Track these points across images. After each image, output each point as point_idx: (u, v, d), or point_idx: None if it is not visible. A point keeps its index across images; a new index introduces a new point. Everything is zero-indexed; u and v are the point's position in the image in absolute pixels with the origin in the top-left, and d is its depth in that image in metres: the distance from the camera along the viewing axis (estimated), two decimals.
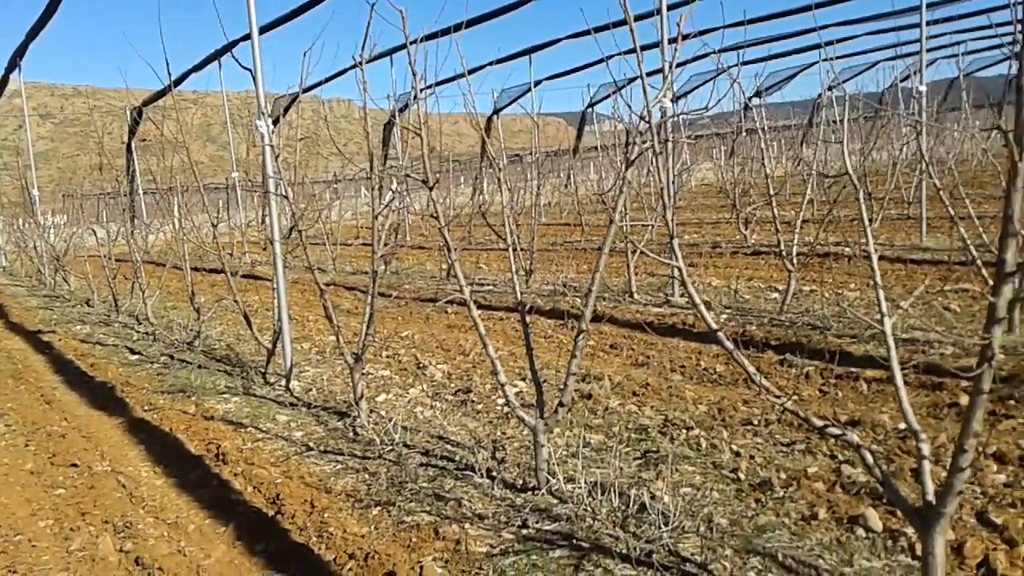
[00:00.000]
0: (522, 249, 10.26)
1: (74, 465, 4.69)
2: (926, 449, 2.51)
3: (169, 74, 6.73)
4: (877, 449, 3.83)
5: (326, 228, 14.19)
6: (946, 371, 4.09)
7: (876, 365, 4.87)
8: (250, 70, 5.82)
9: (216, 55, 16.04)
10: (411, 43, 4.02)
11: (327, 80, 18.78)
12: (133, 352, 7.90)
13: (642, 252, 3.37)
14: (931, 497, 2.48)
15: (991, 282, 2.73)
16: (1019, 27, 3.15)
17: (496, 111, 25.27)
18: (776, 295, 7.60)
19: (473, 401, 5.26)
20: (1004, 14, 18.92)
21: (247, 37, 5.86)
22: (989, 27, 19.74)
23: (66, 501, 4.17)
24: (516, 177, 16.75)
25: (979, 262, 5.41)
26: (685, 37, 3.44)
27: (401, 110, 19.12)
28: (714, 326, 2.92)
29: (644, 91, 3.29)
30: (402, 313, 8.76)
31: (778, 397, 2.74)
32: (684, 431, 4.30)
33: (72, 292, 12.98)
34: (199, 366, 6.99)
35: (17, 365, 7.82)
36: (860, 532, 3.06)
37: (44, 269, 15.06)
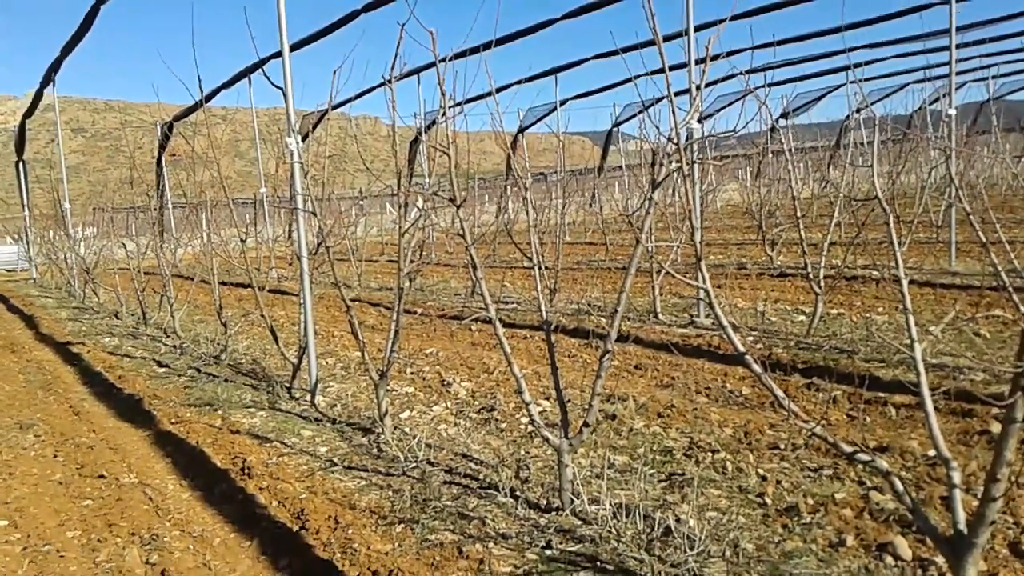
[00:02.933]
0: (547, 268, 10.26)
1: (102, 476, 4.74)
2: (957, 477, 2.49)
3: (201, 90, 6.82)
4: (906, 476, 3.79)
5: (352, 244, 14.29)
6: (976, 398, 4.03)
7: (905, 390, 4.82)
8: (281, 88, 5.89)
9: (246, 72, 16.27)
10: (440, 61, 4.07)
11: (356, 97, 18.99)
12: (161, 365, 7.98)
13: (668, 273, 3.36)
14: (962, 527, 2.45)
15: (1022, 309, 2.71)
16: None
17: (522, 130, 25.40)
18: (803, 318, 7.54)
19: (497, 419, 5.26)
20: None
21: (277, 55, 5.93)
22: (1019, 51, 19.57)
23: (93, 512, 4.22)
24: (541, 196, 16.79)
25: (1010, 288, 5.35)
26: (714, 58, 3.45)
27: (428, 127, 19.27)
28: (742, 349, 2.91)
29: (672, 112, 3.30)
30: (427, 330, 8.79)
31: (806, 422, 2.72)
32: (710, 454, 4.28)
33: (101, 304, 13.14)
34: (225, 380, 7.05)
35: (47, 376, 7.92)
36: (889, 560, 3.02)
37: (74, 281, 15.27)
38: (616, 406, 5.21)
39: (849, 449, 2.64)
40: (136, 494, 4.42)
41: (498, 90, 4.35)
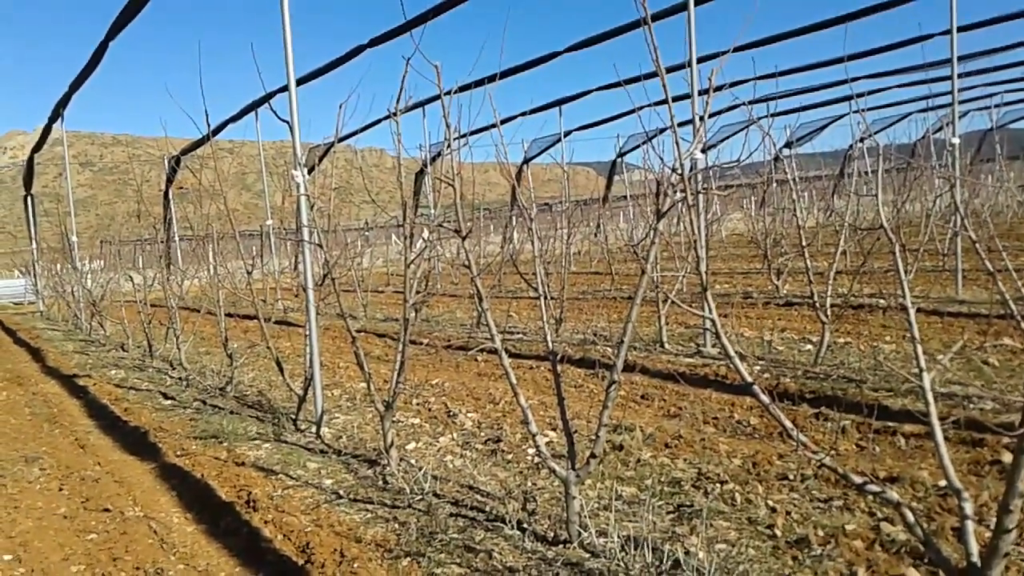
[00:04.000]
0: (552, 298, 10.26)
1: (107, 510, 4.72)
2: (969, 508, 2.46)
3: (208, 124, 6.87)
4: (917, 507, 3.75)
5: (358, 275, 14.32)
6: (987, 427, 4.00)
7: (914, 420, 4.79)
8: (287, 122, 5.93)
9: (253, 106, 16.39)
10: (445, 94, 4.10)
11: (362, 130, 19.05)
12: (166, 397, 7.97)
13: (673, 302, 3.36)
14: (976, 559, 2.42)
15: None
16: None
17: (526, 161, 25.51)
18: (810, 347, 7.51)
19: (503, 451, 5.23)
20: None
21: (284, 89, 5.99)
22: (1022, 79, 19.67)
23: (98, 546, 4.19)
24: (546, 226, 16.82)
25: (1018, 316, 5.33)
26: (717, 89, 3.47)
27: (433, 159, 19.38)
28: (749, 379, 2.89)
29: (676, 143, 3.31)
30: (432, 361, 8.77)
31: (815, 452, 2.70)
32: (718, 485, 4.24)
33: (107, 337, 13.16)
34: (231, 412, 7.03)
35: (52, 409, 7.92)
36: None
37: (81, 314, 15.30)
38: (623, 436, 5.18)
39: (859, 480, 2.62)
40: (141, 528, 4.39)
41: (502, 122, 4.38)
